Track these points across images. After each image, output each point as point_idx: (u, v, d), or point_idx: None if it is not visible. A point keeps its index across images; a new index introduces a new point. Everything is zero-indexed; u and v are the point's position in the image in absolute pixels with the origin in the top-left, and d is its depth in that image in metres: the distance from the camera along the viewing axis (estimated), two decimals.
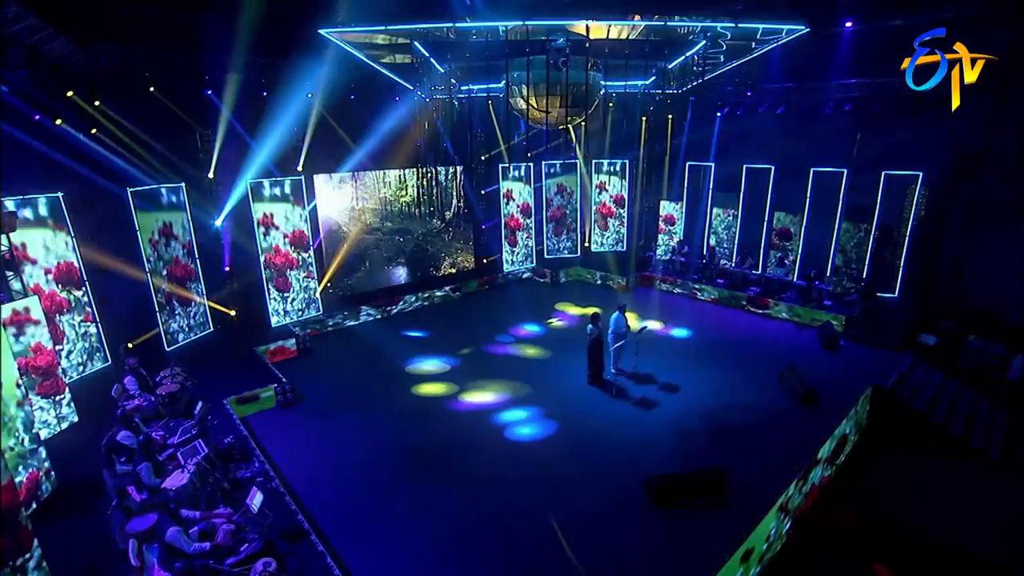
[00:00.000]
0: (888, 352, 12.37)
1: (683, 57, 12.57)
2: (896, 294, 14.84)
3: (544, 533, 7.06)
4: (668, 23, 7.84)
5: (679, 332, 13.86)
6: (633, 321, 14.25)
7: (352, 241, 15.38)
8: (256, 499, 6.26)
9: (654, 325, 14.26)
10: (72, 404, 9.42)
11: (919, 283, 14.58)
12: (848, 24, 14.39)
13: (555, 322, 14.73)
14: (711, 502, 7.44)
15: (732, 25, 8.41)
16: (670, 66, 12.80)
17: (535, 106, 9.28)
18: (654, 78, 13.65)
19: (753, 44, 11.26)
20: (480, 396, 10.68)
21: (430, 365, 12.18)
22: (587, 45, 8.78)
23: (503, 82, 9.72)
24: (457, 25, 8.08)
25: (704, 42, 9.51)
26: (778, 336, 13.64)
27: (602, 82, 9.87)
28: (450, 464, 8.63)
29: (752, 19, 8.47)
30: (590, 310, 14.77)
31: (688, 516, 7.31)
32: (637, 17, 7.81)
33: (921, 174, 14.20)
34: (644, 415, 9.84)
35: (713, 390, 10.67)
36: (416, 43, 9.01)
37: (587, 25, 8.08)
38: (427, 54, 9.08)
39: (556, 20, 7.96)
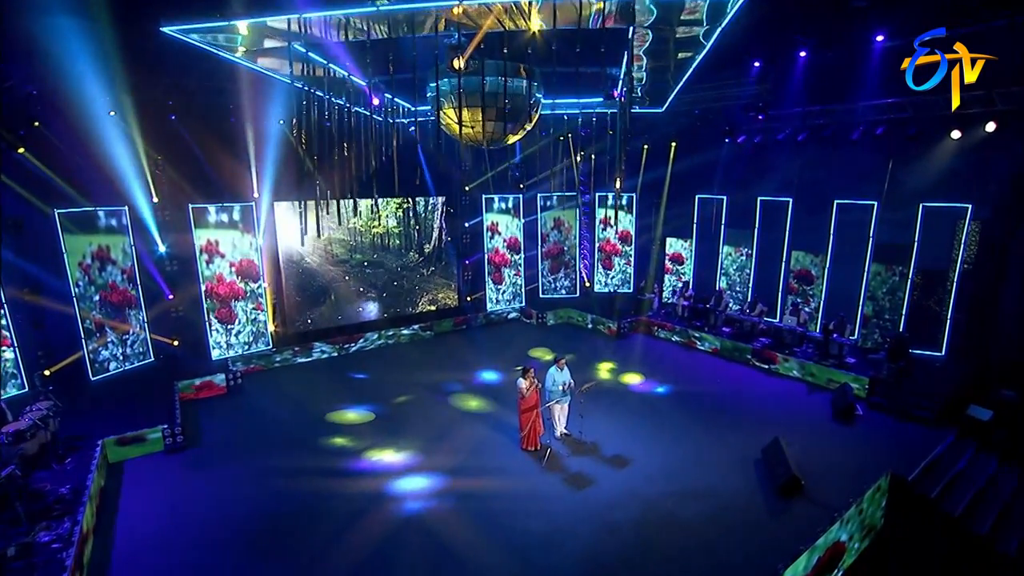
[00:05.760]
0: (924, 427, 9.71)
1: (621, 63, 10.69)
2: (943, 352, 12.00)
3: None
4: None
5: (659, 388, 11.63)
6: (605, 373, 12.24)
7: (285, 275, 14.10)
8: None
9: (633, 379, 12.13)
10: None
11: (971, 339, 11.67)
12: (880, 38, 12.35)
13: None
14: None
15: None
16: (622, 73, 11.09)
17: (452, 119, 7.93)
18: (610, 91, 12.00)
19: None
20: (388, 455, 8.98)
21: (355, 413, 10.65)
22: (481, 46, 7.42)
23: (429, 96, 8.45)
24: (305, 15, 6.94)
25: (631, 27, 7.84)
26: (782, 399, 11.15)
27: (537, 93, 8.37)
28: (310, 541, 6.97)
29: None
30: (566, 358, 12.87)
31: None
32: None
33: (970, 207, 11.61)
34: (571, 498, 7.75)
35: (672, 468, 8.44)
36: (295, 44, 7.93)
37: (464, 9, 6.71)
38: (305, 52, 7.97)
39: (419, 4, 6.64)
